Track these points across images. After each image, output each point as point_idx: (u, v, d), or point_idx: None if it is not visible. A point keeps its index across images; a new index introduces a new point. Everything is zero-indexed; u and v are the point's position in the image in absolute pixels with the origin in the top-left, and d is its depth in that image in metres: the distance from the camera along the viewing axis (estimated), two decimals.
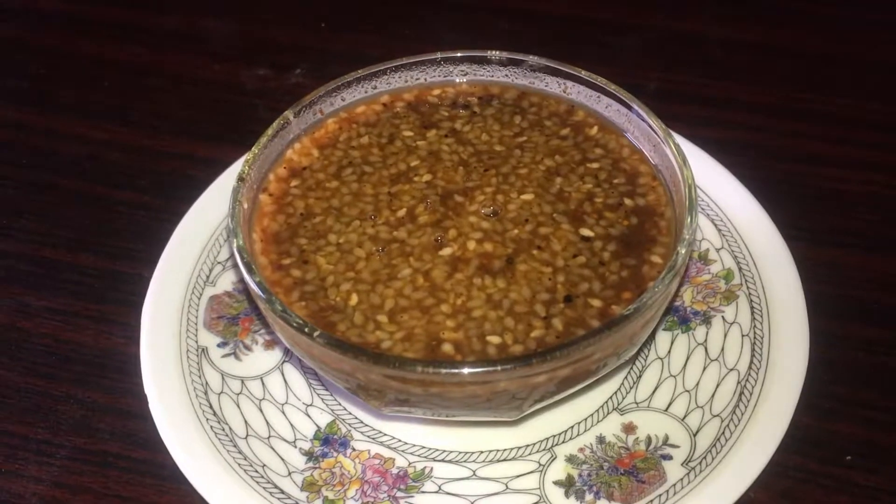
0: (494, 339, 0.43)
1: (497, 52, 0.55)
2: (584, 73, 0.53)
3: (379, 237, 0.48)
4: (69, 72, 0.77)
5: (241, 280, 0.54)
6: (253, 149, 0.50)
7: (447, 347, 0.43)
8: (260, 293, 0.43)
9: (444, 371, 0.40)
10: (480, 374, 0.40)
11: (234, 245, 0.45)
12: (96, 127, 0.71)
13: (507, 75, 0.56)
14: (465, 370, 0.40)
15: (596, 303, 0.45)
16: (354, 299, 0.45)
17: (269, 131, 0.51)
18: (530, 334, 0.43)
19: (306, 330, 0.42)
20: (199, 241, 0.58)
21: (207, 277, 0.56)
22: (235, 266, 0.54)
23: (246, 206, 0.48)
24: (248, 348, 0.54)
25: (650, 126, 0.50)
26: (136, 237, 0.62)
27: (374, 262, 0.46)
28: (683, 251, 0.44)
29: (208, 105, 0.73)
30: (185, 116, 0.72)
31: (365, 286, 0.46)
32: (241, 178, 0.48)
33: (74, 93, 0.75)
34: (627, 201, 0.49)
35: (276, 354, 0.54)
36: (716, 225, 0.58)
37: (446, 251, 0.47)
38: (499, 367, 0.40)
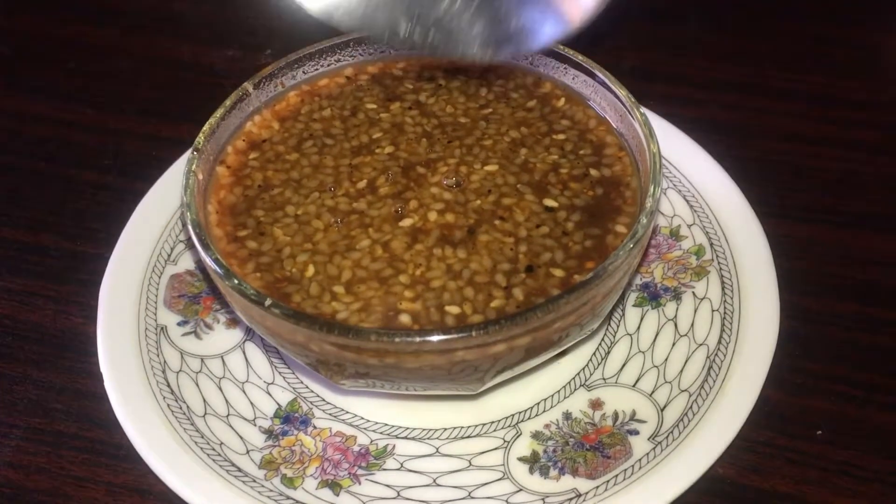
0: (453, 310, 0.42)
1: None
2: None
3: (338, 209, 0.47)
4: (35, 53, 0.76)
5: None
6: (210, 120, 0.49)
7: (405, 318, 0.42)
8: (212, 264, 0.42)
9: (397, 339, 0.39)
10: (435, 342, 0.39)
11: (187, 217, 0.44)
12: (61, 108, 0.70)
13: None
14: (419, 338, 0.39)
15: (558, 272, 0.44)
16: (311, 270, 0.44)
17: (228, 102, 0.50)
18: (490, 304, 0.42)
19: (262, 301, 0.41)
20: (161, 220, 0.57)
21: (169, 256, 0.55)
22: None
23: (201, 177, 0.47)
24: (209, 327, 0.53)
25: (616, 96, 0.49)
26: (99, 218, 0.61)
27: (332, 233, 0.45)
28: (645, 220, 0.43)
29: (176, 86, 0.72)
30: (152, 97, 0.71)
31: (322, 257, 0.45)
32: (196, 149, 0.47)
33: (40, 74, 0.73)
34: (593, 172, 0.48)
35: (237, 333, 0.52)
36: (687, 201, 0.57)
37: (406, 222, 0.46)
38: (454, 335, 0.39)
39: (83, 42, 0.76)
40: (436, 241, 0.45)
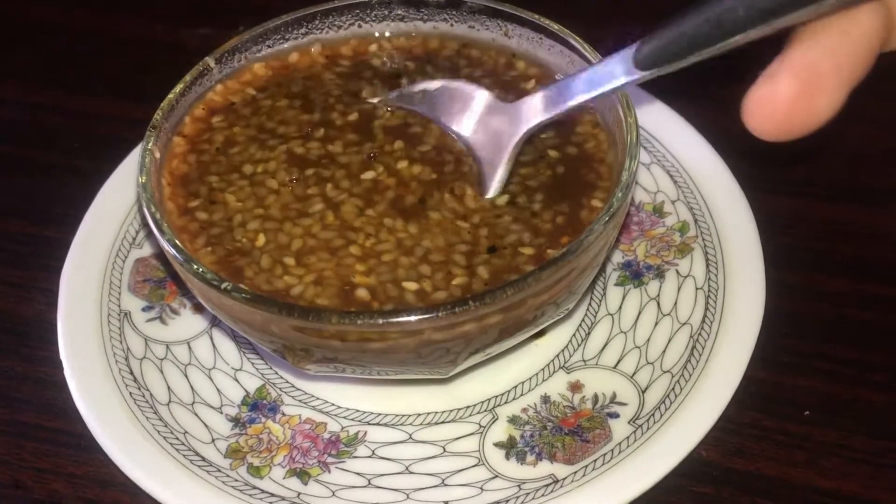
0: (411, 286, 0.40)
1: None
2: (525, 14, 0.50)
3: (308, 157, 0.45)
4: (3, 34, 0.74)
5: None
6: (168, 96, 0.47)
7: (361, 293, 0.40)
8: (167, 247, 0.40)
9: (359, 321, 0.37)
10: (399, 323, 0.37)
11: (143, 198, 0.42)
12: (30, 90, 0.68)
13: (446, 19, 0.52)
14: (381, 320, 0.37)
15: (528, 250, 0.42)
16: (262, 240, 0.42)
17: (188, 77, 0.48)
18: (452, 282, 0.40)
19: (222, 286, 0.39)
20: (126, 202, 0.55)
21: (134, 239, 0.53)
22: None
23: (158, 156, 0.45)
24: (175, 312, 0.51)
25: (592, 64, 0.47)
26: (66, 201, 0.59)
27: (285, 194, 0.44)
28: (621, 194, 0.41)
29: (146, 66, 0.70)
30: (122, 78, 0.69)
31: (273, 224, 0.43)
32: (153, 127, 0.45)
33: (5, 55, 0.71)
34: (551, 153, 0.46)
35: (204, 318, 0.51)
36: (672, 176, 0.55)
37: (369, 174, 0.44)
38: (419, 316, 0.37)
39: (50, 22, 0.74)
40: (387, 207, 0.43)
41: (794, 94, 0.29)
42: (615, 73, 0.39)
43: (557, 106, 0.42)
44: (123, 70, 0.69)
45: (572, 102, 0.42)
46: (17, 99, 0.68)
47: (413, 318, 0.37)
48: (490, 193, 0.44)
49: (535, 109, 0.43)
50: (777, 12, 0.29)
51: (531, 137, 0.46)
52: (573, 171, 0.45)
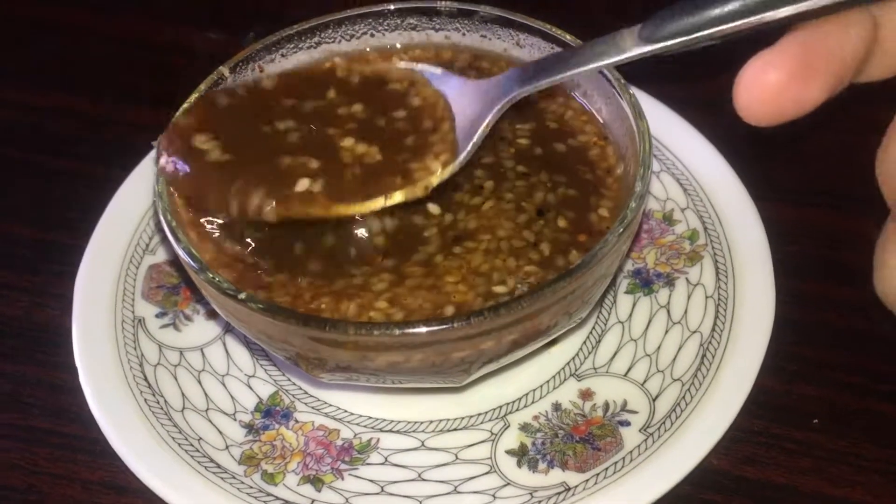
0: (500, 289, 0.41)
1: (447, 3, 0.52)
2: (536, 24, 0.50)
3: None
4: (7, 35, 0.74)
5: None
6: (183, 105, 0.47)
7: (449, 310, 0.41)
8: (184, 256, 0.41)
9: (376, 332, 0.37)
10: (416, 334, 0.37)
11: (159, 207, 0.42)
12: (35, 93, 0.68)
13: (458, 28, 0.53)
14: (398, 331, 0.37)
15: (562, 223, 0.44)
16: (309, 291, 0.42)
17: (202, 87, 0.48)
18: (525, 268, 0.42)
19: (239, 296, 0.39)
20: (139, 209, 0.55)
21: (147, 246, 0.54)
22: None
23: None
24: (188, 318, 0.51)
25: (605, 77, 0.47)
26: (75, 207, 0.59)
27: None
28: (634, 204, 0.41)
29: (154, 70, 0.70)
30: (130, 82, 0.69)
31: (324, 282, 0.42)
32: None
33: (13, 58, 0.71)
34: (521, 140, 0.47)
35: (218, 324, 0.51)
36: (681, 184, 0.56)
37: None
38: (436, 327, 0.37)
39: (57, 24, 0.74)
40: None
41: (786, 75, 0.29)
42: (615, 46, 0.37)
43: (549, 75, 0.40)
44: (129, 74, 0.69)
45: (568, 72, 0.40)
46: (20, 101, 0.67)
47: (428, 329, 0.38)
48: (461, 156, 0.43)
49: (525, 75, 0.42)
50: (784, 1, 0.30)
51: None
52: (561, 158, 0.46)
